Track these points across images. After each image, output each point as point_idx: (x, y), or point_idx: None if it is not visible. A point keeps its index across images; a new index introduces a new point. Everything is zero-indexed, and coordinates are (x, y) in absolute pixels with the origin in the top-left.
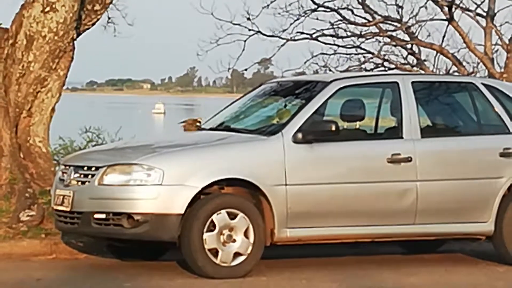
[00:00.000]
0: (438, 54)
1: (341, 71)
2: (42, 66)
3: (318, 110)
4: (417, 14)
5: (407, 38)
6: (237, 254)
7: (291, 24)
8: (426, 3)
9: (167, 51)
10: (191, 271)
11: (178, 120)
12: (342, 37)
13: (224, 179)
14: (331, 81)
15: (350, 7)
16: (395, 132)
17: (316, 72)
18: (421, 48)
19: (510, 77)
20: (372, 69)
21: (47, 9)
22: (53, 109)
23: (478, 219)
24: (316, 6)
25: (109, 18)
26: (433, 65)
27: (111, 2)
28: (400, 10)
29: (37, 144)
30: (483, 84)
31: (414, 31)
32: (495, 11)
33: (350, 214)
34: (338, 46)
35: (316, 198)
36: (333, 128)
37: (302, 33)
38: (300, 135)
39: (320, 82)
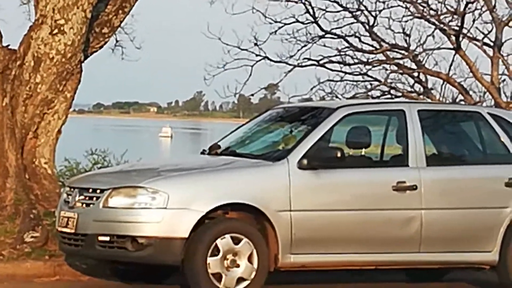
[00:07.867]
0: (445, 82)
1: (347, 98)
2: (49, 88)
3: (324, 137)
4: (424, 42)
5: (414, 66)
6: (240, 279)
7: (298, 50)
8: (433, 32)
9: (174, 75)
10: None
11: (185, 144)
12: (349, 64)
13: (228, 204)
14: (337, 108)
15: (357, 34)
16: (400, 160)
17: (323, 98)
18: (428, 77)
19: None
20: (378, 97)
21: (56, 31)
22: (59, 131)
23: (482, 248)
24: (323, 33)
25: (117, 41)
26: (440, 94)
27: (119, 26)
28: (407, 38)
29: (43, 166)
30: (489, 113)
31: (421, 60)
32: (503, 41)
33: (354, 241)
34: (345, 73)
35: (320, 225)
36: (339, 154)
37: (309, 59)
38: (305, 161)
39: (326, 109)
